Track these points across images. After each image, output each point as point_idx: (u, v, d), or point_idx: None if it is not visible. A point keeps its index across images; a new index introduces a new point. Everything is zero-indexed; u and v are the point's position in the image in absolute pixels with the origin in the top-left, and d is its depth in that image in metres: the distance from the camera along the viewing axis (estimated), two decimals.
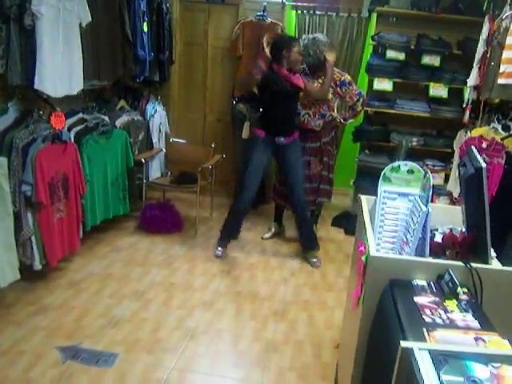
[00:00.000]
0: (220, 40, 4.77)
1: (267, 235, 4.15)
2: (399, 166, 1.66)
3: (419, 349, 1.08)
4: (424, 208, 1.49)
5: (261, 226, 4.35)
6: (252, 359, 2.54)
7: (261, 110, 3.67)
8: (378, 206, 1.68)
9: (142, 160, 4.08)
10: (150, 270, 3.43)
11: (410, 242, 1.55)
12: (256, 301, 3.13)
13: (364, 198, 2.06)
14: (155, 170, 4.53)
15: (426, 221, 1.50)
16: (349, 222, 4.25)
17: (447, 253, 1.58)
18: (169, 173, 4.61)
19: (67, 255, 3.30)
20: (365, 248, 1.62)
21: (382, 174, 1.69)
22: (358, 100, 3.79)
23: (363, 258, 1.57)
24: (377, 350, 1.46)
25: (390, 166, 1.69)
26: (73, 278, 3.20)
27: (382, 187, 1.69)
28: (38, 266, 2.97)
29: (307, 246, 3.77)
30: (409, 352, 1.07)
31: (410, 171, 1.67)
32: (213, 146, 4.36)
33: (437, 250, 1.57)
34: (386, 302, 1.45)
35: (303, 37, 3.80)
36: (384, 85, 4.30)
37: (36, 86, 2.70)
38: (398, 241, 1.64)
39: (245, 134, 4.31)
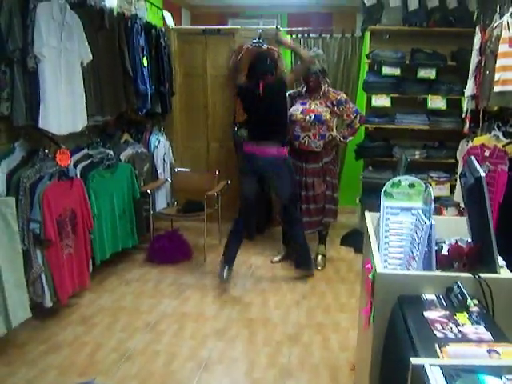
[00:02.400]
0: (218, 69, 4.86)
1: (276, 258, 4.13)
2: (400, 180, 1.67)
3: (430, 365, 1.06)
4: (427, 221, 1.49)
5: (269, 250, 4.34)
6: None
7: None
8: (382, 222, 1.67)
9: (148, 191, 4.12)
10: (160, 301, 3.41)
11: (416, 257, 1.54)
12: (269, 326, 3.10)
13: (369, 215, 2.06)
14: (161, 201, 4.56)
15: (430, 234, 1.49)
16: (357, 239, 4.20)
17: (455, 265, 1.56)
18: (175, 202, 4.64)
19: (77, 291, 3.30)
20: (371, 265, 1.61)
21: (383, 190, 1.70)
22: (355, 117, 3.83)
23: (370, 276, 1.56)
24: (390, 368, 1.44)
25: (390, 181, 1.70)
26: (84, 314, 3.19)
27: (385, 203, 1.69)
28: (48, 303, 2.97)
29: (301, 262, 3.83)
30: (420, 369, 1.05)
31: (411, 185, 1.67)
32: (217, 172, 4.39)
33: (444, 263, 1.56)
34: (396, 319, 1.43)
35: None
36: (382, 101, 4.34)
37: (41, 126, 2.76)
38: (404, 256, 1.63)
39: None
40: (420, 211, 1.58)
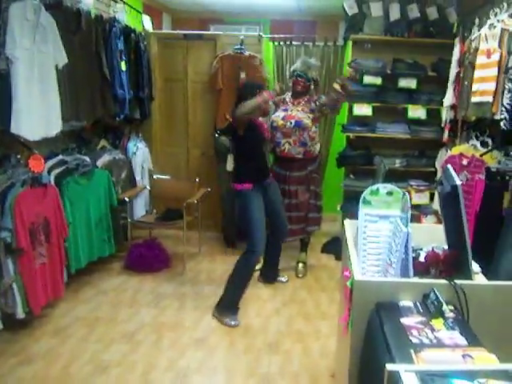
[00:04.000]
0: (199, 75, 4.82)
1: (257, 267, 4.08)
2: (378, 188, 1.65)
3: (405, 371, 1.06)
4: (404, 229, 1.48)
5: None
6: None
7: (241, 160, 3.42)
8: (360, 229, 1.65)
9: (126, 199, 4.05)
10: (138, 311, 3.34)
11: (393, 264, 1.52)
12: (249, 334, 3.05)
13: (348, 223, 2.05)
14: (140, 209, 4.49)
15: (407, 241, 1.48)
16: (338, 247, 4.19)
17: (431, 272, 1.55)
18: (154, 210, 4.57)
19: (51, 301, 3.20)
20: (350, 273, 1.58)
21: (362, 197, 1.68)
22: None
23: (348, 283, 1.54)
24: (368, 374, 1.42)
25: (369, 189, 1.68)
26: (58, 325, 3.10)
27: (363, 210, 1.67)
28: (21, 314, 2.87)
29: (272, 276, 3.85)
30: (395, 374, 1.05)
31: (389, 193, 1.66)
32: (197, 180, 4.34)
33: (421, 270, 1.54)
34: (373, 326, 1.41)
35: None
36: (363, 110, 4.35)
37: (12, 130, 2.68)
38: (382, 263, 1.61)
39: (229, 166, 4.30)
40: (398, 219, 1.57)
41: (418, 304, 1.44)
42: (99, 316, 3.24)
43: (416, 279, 1.50)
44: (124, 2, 4.15)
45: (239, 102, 3.23)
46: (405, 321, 1.33)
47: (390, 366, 1.08)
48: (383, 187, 1.69)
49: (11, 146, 2.96)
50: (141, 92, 4.30)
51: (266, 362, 2.75)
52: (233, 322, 3.18)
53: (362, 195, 1.71)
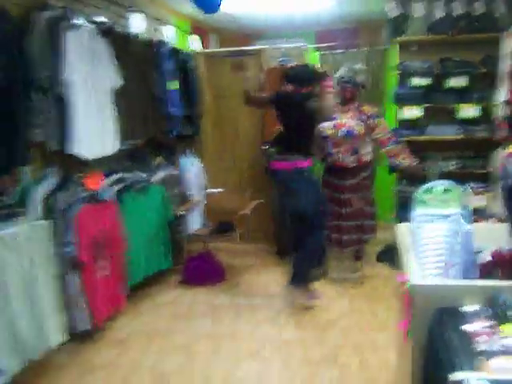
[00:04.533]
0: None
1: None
2: (432, 187, 1.60)
3: (474, 379, 1.00)
4: (467, 226, 1.42)
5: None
6: None
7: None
8: (414, 230, 1.60)
9: (181, 213, 4.14)
10: (194, 323, 3.38)
11: (455, 265, 1.46)
12: (305, 346, 3.01)
13: (402, 226, 1.98)
14: (195, 223, 4.56)
15: (470, 240, 1.42)
16: (393, 255, 4.09)
17: (495, 274, 1.48)
18: (209, 224, 4.64)
19: (113, 314, 3.31)
20: (407, 277, 1.53)
21: (415, 197, 1.63)
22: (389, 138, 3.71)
23: (406, 288, 1.49)
24: None
25: (423, 187, 1.63)
26: (118, 337, 3.19)
27: (416, 211, 1.61)
28: (84, 326, 2.98)
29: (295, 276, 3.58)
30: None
31: (447, 190, 1.60)
32: (249, 192, 4.38)
33: (485, 272, 1.47)
34: (435, 333, 1.35)
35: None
36: (413, 112, 4.26)
37: (72, 151, 2.83)
38: (442, 265, 1.54)
39: None
40: (458, 216, 1.51)
41: (484, 308, 1.37)
42: (157, 328, 3.31)
43: (481, 281, 1.43)
44: (173, 25, 4.31)
45: (294, 78, 3.39)
46: (469, 327, 1.26)
47: (454, 376, 1.02)
48: (439, 184, 1.63)
49: (72, 166, 3.11)
50: (191, 109, 4.42)
51: (322, 375, 2.69)
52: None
53: (415, 194, 1.66)
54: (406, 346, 1.64)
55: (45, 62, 2.67)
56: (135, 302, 3.68)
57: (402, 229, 1.94)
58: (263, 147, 4.67)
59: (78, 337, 3.02)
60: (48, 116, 2.73)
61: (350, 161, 3.72)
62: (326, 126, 3.74)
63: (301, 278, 3.47)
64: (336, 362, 2.82)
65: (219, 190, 4.65)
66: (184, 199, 4.45)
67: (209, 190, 4.66)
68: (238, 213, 4.06)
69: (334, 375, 2.68)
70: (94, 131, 2.97)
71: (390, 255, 4.23)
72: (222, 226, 4.31)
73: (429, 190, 1.59)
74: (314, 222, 3.44)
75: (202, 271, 4.12)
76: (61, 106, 2.77)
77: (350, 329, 3.23)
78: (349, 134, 3.65)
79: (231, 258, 4.46)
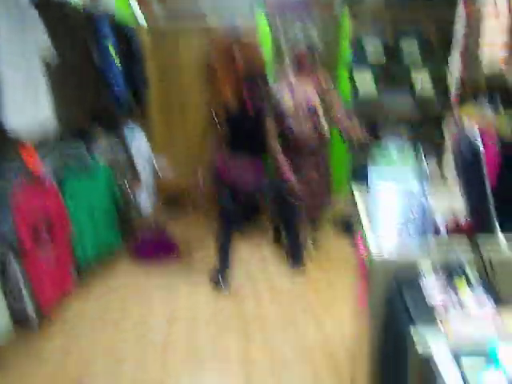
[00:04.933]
0: (192, 59, 4.68)
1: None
2: (387, 149, 1.55)
3: (432, 339, 1.02)
4: (420, 186, 1.39)
5: (260, 240, 4.19)
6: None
7: None
8: (370, 193, 1.55)
9: (129, 191, 3.97)
10: (149, 301, 3.29)
11: (410, 226, 1.44)
12: (262, 318, 2.99)
13: (357, 190, 1.93)
14: (144, 198, 4.41)
15: (425, 201, 1.40)
16: (351, 226, 4.13)
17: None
18: (157, 199, 4.49)
19: (61, 298, 3.15)
20: (364, 246, 1.50)
21: (372, 158, 1.58)
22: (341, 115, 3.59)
23: (364, 258, 1.46)
24: (390, 351, 1.34)
25: (377, 148, 1.58)
26: (69, 322, 3.05)
27: (372, 173, 1.54)
28: (32, 314, 2.82)
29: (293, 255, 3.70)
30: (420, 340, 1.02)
31: (400, 151, 1.56)
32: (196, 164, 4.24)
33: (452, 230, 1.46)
34: (393, 297, 1.33)
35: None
36: (366, 81, 4.23)
37: (8, 127, 2.59)
38: (399, 226, 1.50)
39: None
40: (411, 176, 1.47)
41: (439, 268, 1.35)
42: (110, 311, 3.19)
43: (436, 241, 1.41)
44: None
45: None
46: (427, 286, 1.27)
47: (413, 330, 1.04)
48: (393, 145, 1.58)
49: (6, 147, 2.85)
50: (135, 83, 4.18)
51: (278, 342, 2.73)
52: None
53: (372, 156, 1.61)
54: (364, 316, 1.63)
55: None
56: (87, 285, 3.51)
57: (358, 193, 1.90)
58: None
59: (25, 325, 2.85)
60: None
61: (309, 136, 3.53)
62: (284, 97, 3.47)
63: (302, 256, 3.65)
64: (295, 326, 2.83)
65: (166, 164, 4.45)
66: (131, 175, 4.26)
67: (157, 164, 4.47)
68: (188, 187, 3.93)
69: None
70: (27, 106, 2.72)
71: (347, 226, 4.27)
72: (172, 201, 4.18)
73: (384, 153, 1.54)
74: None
75: (154, 248, 4.01)
76: None
77: (306, 295, 3.25)
78: (310, 111, 3.45)
79: (184, 232, 4.35)
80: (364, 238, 1.54)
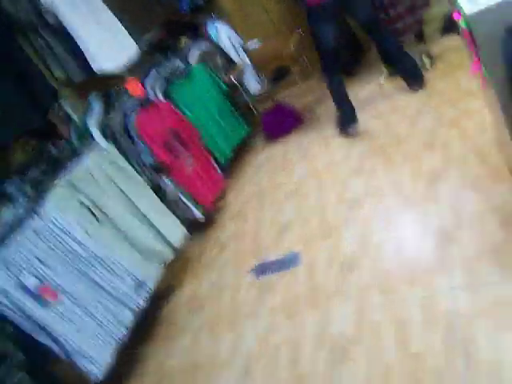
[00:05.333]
0: None
1: (382, 80, 3.74)
2: None
3: None
4: None
5: (374, 76, 3.91)
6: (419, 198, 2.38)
7: None
8: None
9: (233, 79, 4.01)
10: (293, 170, 3.43)
11: None
12: (402, 144, 2.88)
13: None
14: (253, 83, 4.41)
15: None
16: (455, 24, 3.57)
17: None
18: (264, 79, 4.45)
19: (219, 194, 3.46)
20: (460, 13, 1.30)
21: None
22: None
23: (463, 24, 1.27)
24: None
25: None
26: (233, 209, 3.38)
27: None
28: (199, 215, 3.17)
29: (410, 77, 3.35)
30: None
31: None
32: (285, 30, 4.04)
33: None
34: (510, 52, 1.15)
35: None
36: None
37: (97, 70, 2.78)
38: None
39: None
40: None
41: None
42: (261, 188, 3.43)
43: None
44: None
45: None
46: None
47: None
48: None
49: (109, 84, 3.07)
50: None
51: (427, 160, 2.59)
52: (349, 130, 3.26)
53: None
54: (487, 89, 1.46)
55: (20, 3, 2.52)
56: (237, 175, 3.80)
57: None
58: None
59: (202, 226, 3.25)
60: (57, 51, 2.66)
61: None
62: None
63: (418, 72, 3.35)
64: (436, 144, 2.66)
65: (256, 42, 4.33)
66: (230, 65, 4.27)
67: (248, 46, 4.38)
68: (283, 54, 3.79)
69: (438, 159, 2.55)
70: (105, 42, 2.85)
71: (455, 24, 3.71)
72: (278, 74, 4.12)
73: None
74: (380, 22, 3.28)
75: (281, 122, 4.06)
76: (61, 36, 2.67)
77: (440, 106, 3.00)
78: None
79: (300, 99, 4.30)
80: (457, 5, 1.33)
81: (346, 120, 3.32)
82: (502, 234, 1.86)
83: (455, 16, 1.40)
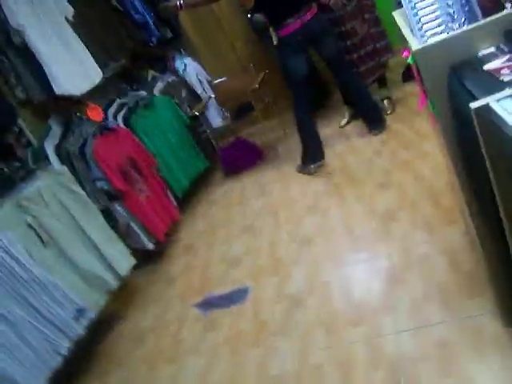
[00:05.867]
0: None
1: (343, 122, 3.89)
2: None
3: (496, 100, 0.92)
4: None
5: (335, 118, 4.09)
6: (370, 238, 2.43)
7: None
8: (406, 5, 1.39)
9: (196, 113, 4.05)
10: (249, 205, 3.44)
11: (454, 15, 1.28)
12: (357, 184, 2.97)
13: (397, 14, 1.77)
14: (215, 118, 4.47)
15: None
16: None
17: (507, 5, 1.27)
18: (227, 114, 4.53)
19: (171, 225, 3.40)
20: (409, 51, 1.38)
21: None
22: None
23: (410, 61, 1.34)
24: (464, 146, 1.25)
25: None
26: (185, 243, 3.33)
27: None
28: (149, 245, 3.10)
29: (371, 120, 3.48)
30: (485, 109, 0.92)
31: None
32: (251, 69, 4.17)
33: (489, 7, 1.27)
34: (454, 91, 1.22)
35: None
36: None
37: (58, 93, 2.75)
38: (442, 24, 1.35)
39: (275, 39, 4.01)
40: None
41: (502, 45, 1.20)
42: (215, 223, 3.40)
43: (488, 18, 1.24)
44: None
45: None
46: (490, 66, 1.13)
47: (474, 104, 0.94)
48: None
49: (71, 108, 3.04)
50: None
51: (380, 200, 2.67)
52: (311, 168, 3.33)
53: None
54: (437, 125, 1.53)
55: None
56: (191, 208, 3.77)
57: (398, 15, 1.74)
58: (248, 16, 4.35)
59: (150, 257, 3.18)
60: (20, 71, 2.62)
61: None
62: None
63: (379, 115, 3.51)
64: (391, 184, 2.77)
65: (223, 78, 4.44)
66: (194, 99, 4.32)
67: (214, 82, 4.47)
68: (248, 91, 3.89)
69: (391, 196, 2.65)
70: (69, 66, 2.83)
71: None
72: (241, 110, 4.20)
73: None
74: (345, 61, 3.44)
75: (240, 157, 4.10)
76: (25, 56, 2.64)
77: (395, 151, 3.13)
78: None
79: (261, 136, 4.38)
80: (407, 42, 1.41)
81: (313, 156, 3.38)
82: (450, 275, 1.91)
83: (405, 53, 1.48)
